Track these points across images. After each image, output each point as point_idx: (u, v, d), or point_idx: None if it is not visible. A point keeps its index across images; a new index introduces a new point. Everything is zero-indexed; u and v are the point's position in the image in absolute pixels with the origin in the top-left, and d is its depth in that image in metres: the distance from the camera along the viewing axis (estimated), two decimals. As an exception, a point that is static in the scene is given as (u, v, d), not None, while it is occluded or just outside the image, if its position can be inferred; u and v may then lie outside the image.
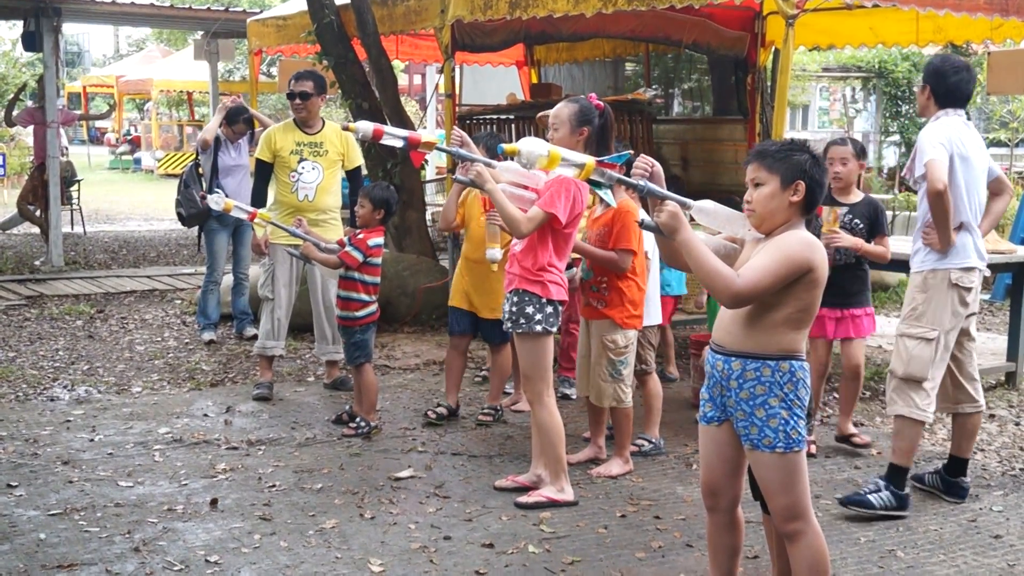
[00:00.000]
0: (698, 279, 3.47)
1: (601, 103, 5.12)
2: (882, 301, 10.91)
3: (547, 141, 4.27)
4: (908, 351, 5.12)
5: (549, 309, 5.04)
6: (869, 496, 5.07)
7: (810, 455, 5.83)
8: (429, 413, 6.50)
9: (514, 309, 5.05)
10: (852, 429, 6.21)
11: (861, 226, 5.99)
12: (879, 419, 6.77)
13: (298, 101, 7.06)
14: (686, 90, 16.76)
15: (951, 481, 5.37)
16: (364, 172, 7.62)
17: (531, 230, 4.96)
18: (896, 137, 21.79)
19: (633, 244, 5.44)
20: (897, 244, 8.41)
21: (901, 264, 7.70)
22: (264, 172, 7.14)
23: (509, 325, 5.11)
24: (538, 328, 5.02)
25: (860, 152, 6.14)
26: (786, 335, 3.44)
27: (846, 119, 22.20)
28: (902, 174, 5.30)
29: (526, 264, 5.05)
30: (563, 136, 4.98)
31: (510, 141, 10.63)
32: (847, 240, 5.85)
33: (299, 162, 7.04)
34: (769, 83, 10.45)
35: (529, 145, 3.81)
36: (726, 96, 11.56)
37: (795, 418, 3.48)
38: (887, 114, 21.95)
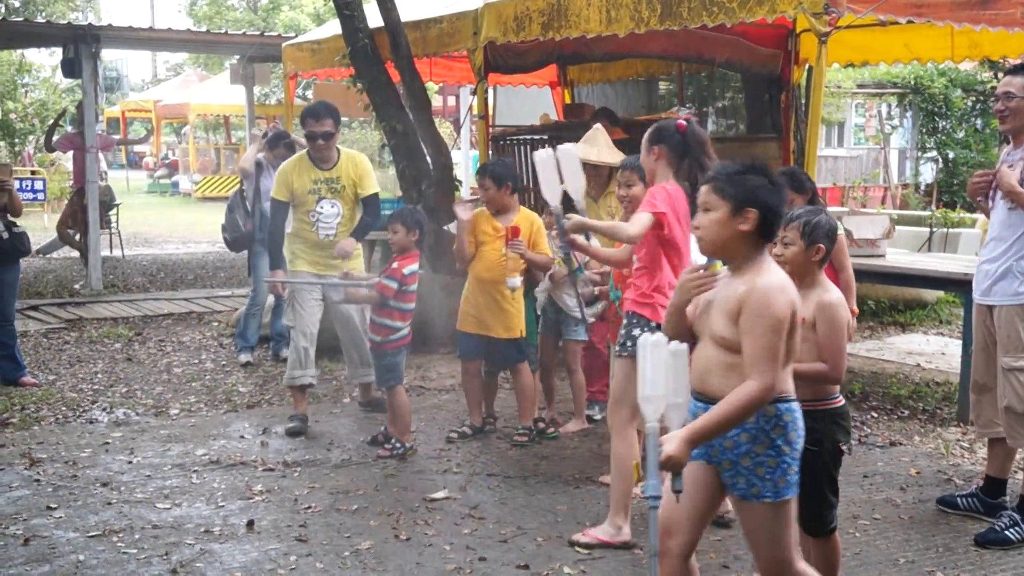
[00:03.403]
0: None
1: (683, 122, 4.88)
2: (920, 319, 10.81)
3: None
4: None
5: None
6: (1007, 532, 4.96)
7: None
8: (451, 434, 6.55)
9: (623, 331, 4.91)
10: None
11: None
12: (917, 438, 6.71)
13: (321, 142, 6.78)
14: (720, 108, 16.72)
15: (992, 503, 5.29)
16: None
17: (639, 232, 4.73)
18: (933, 153, 21.64)
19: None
20: (936, 262, 8.36)
21: (941, 282, 7.68)
22: (281, 211, 6.93)
23: (618, 348, 4.94)
24: None
25: None
26: None
27: (882, 136, 22.04)
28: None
29: (641, 286, 4.87)
30: (642, 157, 4.94)
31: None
32: None
33: (317, 201, 6.81)
34: (803, 101, 10.41)
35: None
36: (760, 114, 11.51)
37: (784, 465, 3.33)
38: (924, 130, 21.78)
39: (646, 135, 4.91)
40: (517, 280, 6.16)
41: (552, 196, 5.21)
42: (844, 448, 3.95)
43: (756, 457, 3.31)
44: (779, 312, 3.19)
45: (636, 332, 4.78)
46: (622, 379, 4.87)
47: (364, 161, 7.03)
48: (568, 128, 10.40)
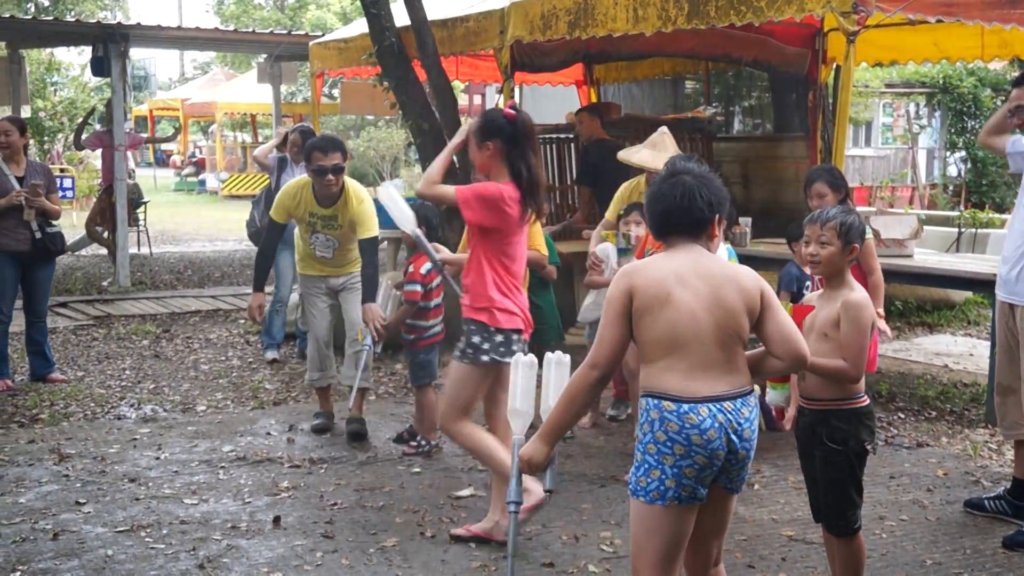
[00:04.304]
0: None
1: (512, 111, 4.73)
2: (948, 320, 10.74)
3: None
4: None
5: (499, 338, 4.69)
6: None
7: None
8: None
9: (464, 338, 4.73)
10: None
11: None
12: (944, 439, 6.67)
13: (330, 177, 6.30)
14: (747, 108, 16.69)
15: (1020, 505, 5.24)
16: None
17: (430, 194, 4.76)
18: (962, 153, 21.49)
19: None
20: (964, 263, 8.31)
21: (969, 283, 7.63)
22: (276, 231, 6.68)
23: (458, 354, 4.76)
24: (485, 359, 4.67)
25: None
26: (643, 371, 3.25)
27: (910, 135, 21.90)
28: None
29: (475, 291, 4.72)
30: (472, 152, 4.77)
31: (568, 160, 10.57)
32: None
33: (312, 234, 6.56)
34: (831, 100, 10.37)
35: None
36: (787, 113, 11.49)
37: (646, 465, 3.18)
38: (952, 130, 21.65)
39: (475, 129, 4.75)
40: None
41: (408, 225, 5.32)
42: (869, 448, 3.94)
43: (637, 447, 3.26)
44: (607, 296, 3.24)
45: (476, 340, 4.68)
46: (457, 382, 4.77)
47: (366, 202, 6.53)
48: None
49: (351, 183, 6.55)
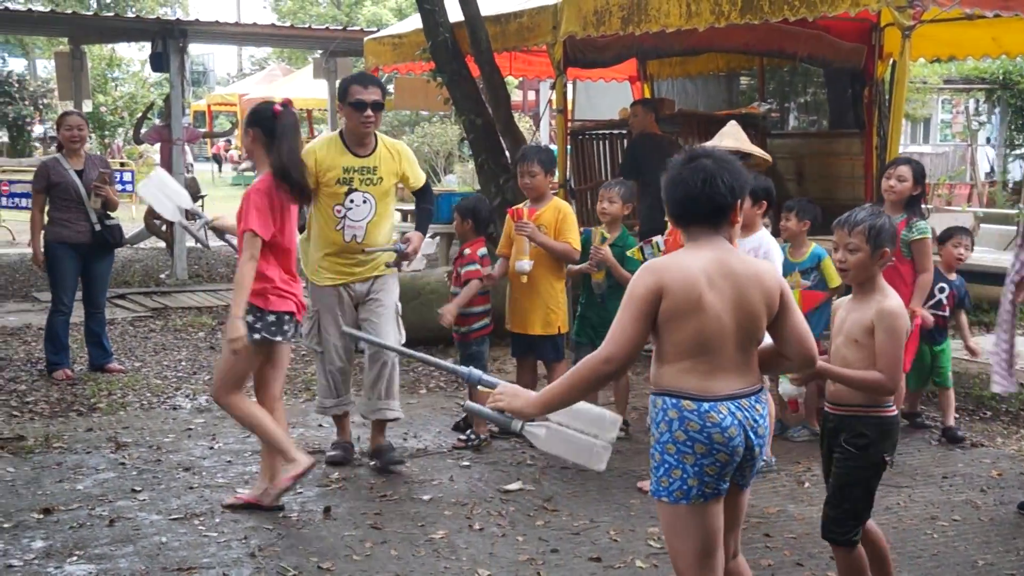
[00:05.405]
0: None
1: (279, 107, 5.12)
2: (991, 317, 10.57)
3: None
4: None
5: (271, 318, 5.11)
6: None
7: None
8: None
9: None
10: None
11: None
12: (999, 439, 6.58)
13: (369, 113, 5.62)
14: (802, 104, 16.55)
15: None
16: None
17: (253, 255, 5.10)
18: (1023, 150, 21.15)
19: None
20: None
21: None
22: None
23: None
24: (256, 337, 5.06)
25: None
26: (659, 369, 3.19)
27: (969, 132, 21.61)
28: None
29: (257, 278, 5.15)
30: (242, 139, 5.20)
31: (620, 156, 10.52)
32: None
33: (347, 194, 5.66)
34: (887, 96, 10.26)
35: None
36: (843, 109, 11.38)
37: (666, 466, 3.15)
38: (1013, 127, 21.31)
39: (246, 116, 5.24)
40: (526, 263, 6.11)
41: (171, 213, 5.86)
42: (888, 460, 3.81)
43: (652, 447, 3.22)
44: (630, 289, 3.13)
45: (249, 319, 5.04)
46: (230, 357, 5.07)
47: (407, 150, 5.96)
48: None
49: (385, 136, 5.94)
